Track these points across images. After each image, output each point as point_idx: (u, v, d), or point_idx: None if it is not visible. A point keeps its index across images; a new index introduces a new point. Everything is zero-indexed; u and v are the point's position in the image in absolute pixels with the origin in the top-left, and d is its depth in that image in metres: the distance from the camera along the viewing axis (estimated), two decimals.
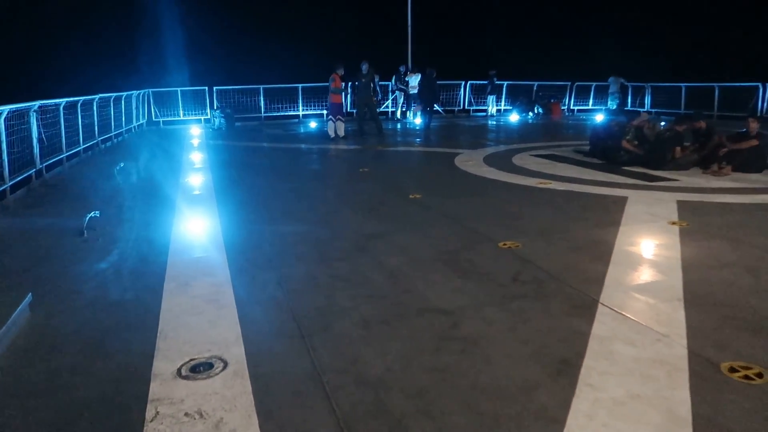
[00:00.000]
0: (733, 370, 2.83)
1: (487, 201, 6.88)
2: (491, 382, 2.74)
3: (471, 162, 9.97)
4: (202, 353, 3.02)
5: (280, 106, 20.24)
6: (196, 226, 5.71)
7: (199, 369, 2.85)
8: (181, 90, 19.07)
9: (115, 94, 13.91)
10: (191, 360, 2.94)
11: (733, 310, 3.55)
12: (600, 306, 3.63)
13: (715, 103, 19.15)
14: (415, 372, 2.84)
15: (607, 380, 2.74)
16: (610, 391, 2.64)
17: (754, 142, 8.51)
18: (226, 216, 6.13)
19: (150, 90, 18.48)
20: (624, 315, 3.49)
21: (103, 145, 12.83)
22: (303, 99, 20.29)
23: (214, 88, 18.95)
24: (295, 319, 3.48)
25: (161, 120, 18.91)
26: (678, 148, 8.98)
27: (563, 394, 2.63)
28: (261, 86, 19.74)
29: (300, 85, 20.08)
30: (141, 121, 17.58)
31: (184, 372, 2.83)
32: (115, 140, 13.98)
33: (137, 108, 16.87)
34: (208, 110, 18.90)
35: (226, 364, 2.90)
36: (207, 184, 8.11)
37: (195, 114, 19.31)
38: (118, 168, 9.11)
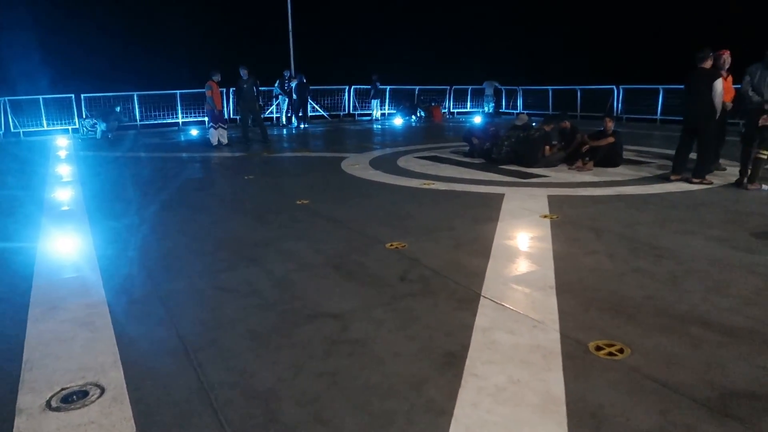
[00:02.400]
0: (599, 348, 3.10)
1: (373, 203, 6.99)
2: (382, 381, 2.79)
3: (357, 165, 10.09)
4: (74, 381, 2.80)
5: (157, 113, 19.23)
6: (65, 244, 5.29)
7: (72, 398, 2.64)
8: (43, 98, 17.50)
9: None
10: (62, 390, 2.72)
11: (597, 294, 3.88)
12: (482, 299, 3.82)
13: (578, 104, 20.89)
14: (306, 379, 2.82)
15: (490, 369, 2.89)
16: (493, 379, 2.79)
17: (611, 140, 9.36)
18: (100, 232, 5.74)
19: (5, 98, 16.81)
20: (504, 305, 3.70)
21: None
22: (182, 106, 19.46)
23: (83, 95, 17.60)
24: (179, 335, 3.33)
25: (21, 131, 17.26)
26: (547, 147, 9.67)
27: (450, 386, 2.74)
28: (135, 93, 18.65)
29: (178, 92, 19.24)
30: None
31: (54, 403, 2.61)
32: None
33: None
34: (76, 119, 17.53)
35: (103, 391, 2.71)
36: (77, 198, 7.53)
37: (61, 124, 17.82)
38: None
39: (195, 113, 19.53)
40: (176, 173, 9.90)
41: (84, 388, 2.73)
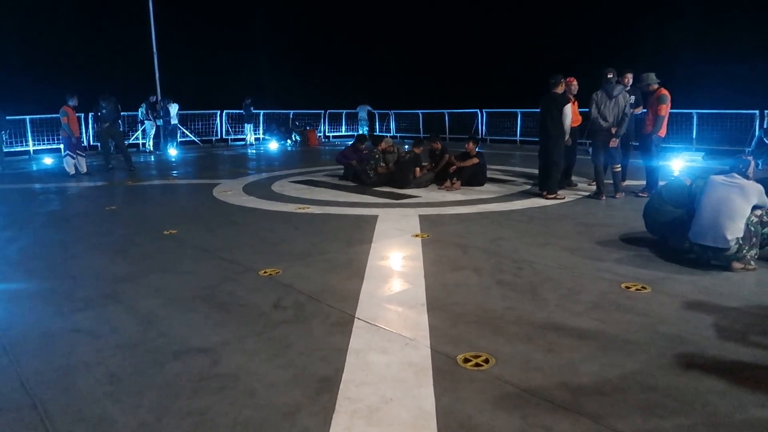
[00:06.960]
0: (466, 360, 3.24)
1: (246, 230, 6.82)
2: (254, 415, 2.70)
3: (230, 192, 9.82)
4: None
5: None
6: None
7: None
8: None
9: None
10: None
11: (464, 308, 4.07)
12: (356, 320, 3.85)
13: (446, 127, 22.02)
14: (171, 421, 2.66)
15: (364, 390, 2.91)
16: (367, 400, 2.81)
17: (476, 160, 9.94)
18: None
19: None
20: (377, 326, 3.75)
21: None
22: (33, 132, 17.81)
23: None
24: (25, 386, 3.00)
25: None
26: (417, 168, 10.05)
27: (324, 412, 2.72)
28: None
29: (28, 117, 17.59)
30: None
31: None
32: None
33: None
34: None
35: None
36: None
37: None
38: None
39: (48, 140, 17.97)
40: (26, 207, 9.01)
41: None
